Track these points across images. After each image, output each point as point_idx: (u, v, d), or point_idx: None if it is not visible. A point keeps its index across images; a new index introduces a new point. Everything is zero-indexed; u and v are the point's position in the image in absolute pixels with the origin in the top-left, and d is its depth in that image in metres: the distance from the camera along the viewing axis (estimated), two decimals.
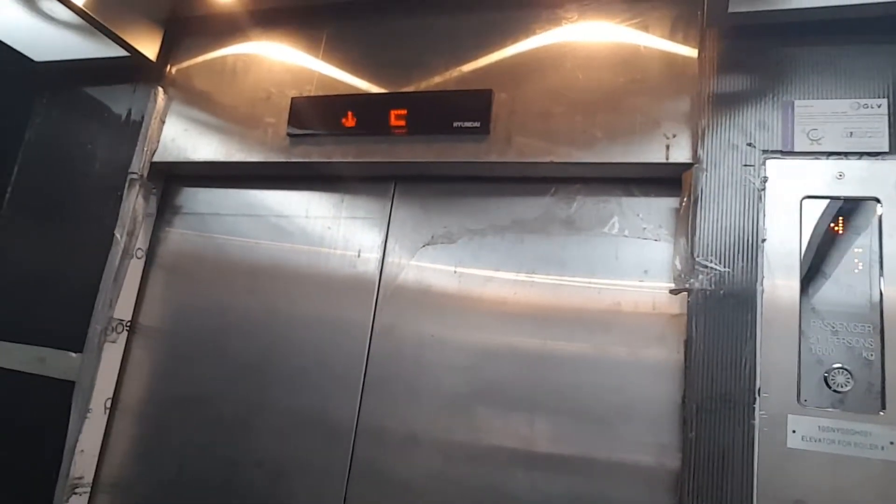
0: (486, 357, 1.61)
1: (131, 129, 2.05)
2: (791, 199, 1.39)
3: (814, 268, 1.34)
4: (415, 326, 1.70)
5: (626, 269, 1.56)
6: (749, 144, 1.43)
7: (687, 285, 1.39)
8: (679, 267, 1.42)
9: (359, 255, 1.81)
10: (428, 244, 1.75)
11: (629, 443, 1.47)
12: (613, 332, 1.54)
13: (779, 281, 1.35)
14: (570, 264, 1.61)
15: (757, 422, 1.29)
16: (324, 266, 1.83)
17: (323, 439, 1.70)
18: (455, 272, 1.70)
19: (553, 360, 1.56)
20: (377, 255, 1.79)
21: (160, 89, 2.04)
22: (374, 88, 1.80)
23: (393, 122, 1.72)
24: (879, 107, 1.38)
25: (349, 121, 1.77)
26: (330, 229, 1.86)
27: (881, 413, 1.24)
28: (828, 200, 1.37)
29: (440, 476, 1.59)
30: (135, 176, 1.98)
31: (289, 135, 1.84)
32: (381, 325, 1.73)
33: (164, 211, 2.08)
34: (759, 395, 1.30)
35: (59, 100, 2.22)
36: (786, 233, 1.38)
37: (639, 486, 1.44)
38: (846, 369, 1.28)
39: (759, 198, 1.40)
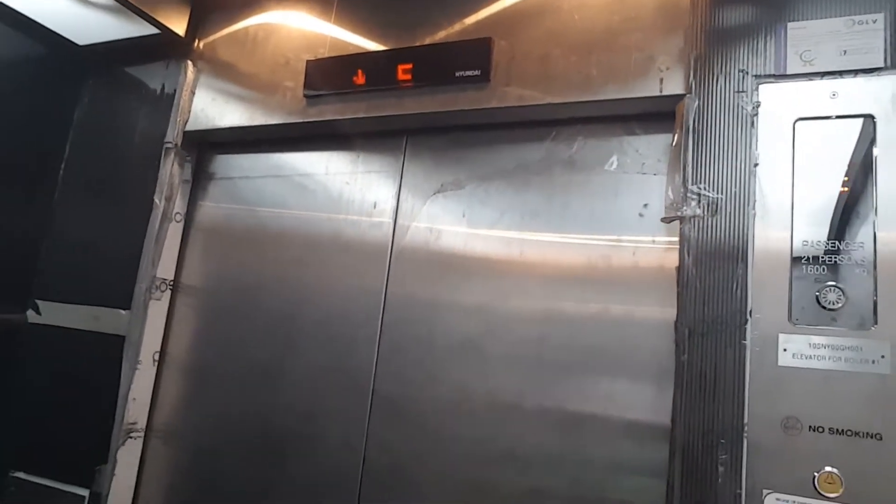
0: (498, 292, 1.68)
1: (165, 102, 2.20)
2: (784, 123, 1.38)
3: (806, 188, 1.34)
4: (428, 269, 1.78)
5: (626, 205, 1.59)
6: (741, 71, 1.43)
7: (679, 213, 1.41)
8: (671, 196, 1.44)
9: (375, 207, 1.90)
10: (438, 192, 1.82)
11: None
12: (613, 265, 1.57)
13: (771, 204, 1.36)
14: (574, 201, 1.65)
15: (748, 342, 1.31)
16: (343, 218, 1.93)
17: (346, 382, 1.81)
18: (464, 216, 1.76)
19: (560, 285, 1.61)
20: (392, 204, 1.87)
21: (189, 63, 2.17)
22: (382, 47, 1.87)
23: (399, 76, 1.79)
24: (875, 22, 1.35)
25: (359, 78, 1.85)
26: (348, 184, 1.96)
27: (872, 328, 1.24)
28: (821, 121, 1.36)
29: (452, 415, 1.67)
30: (170, 145, 2.12)
31: (305, 96, 1.94)
32: (397, 269, 1.82)
33: (199, 177, 2.22)
34: (750, 315, 1.32)
35: (102, 80, 2.39)
36: (779, 156, 1.37)
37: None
38: (838, 287, 1.28)
39: (752, 123, 1.40)
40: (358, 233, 1.90)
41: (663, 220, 1.46)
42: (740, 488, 1.26)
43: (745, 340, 1.31)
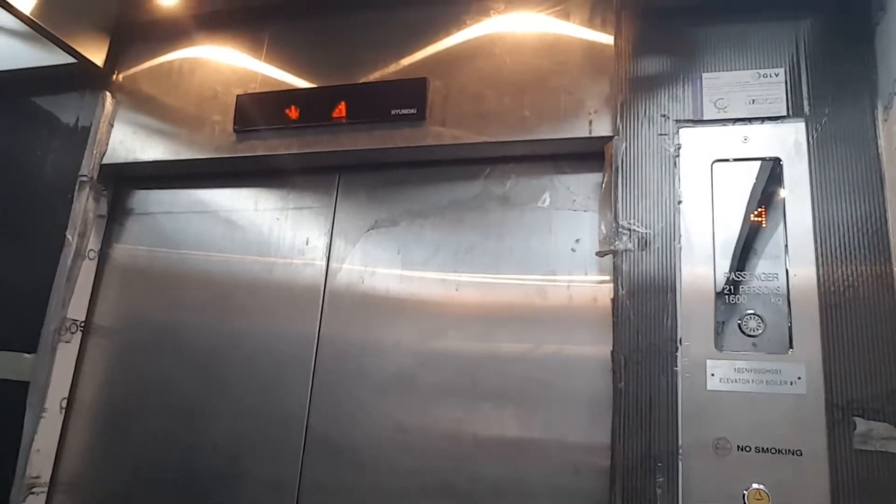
0: (433, 328, 1.69)
1: (80, 135, 2.09)
2: (703, 164, 1.50)
3: (724, 224, 1.45)
4: (362, 307, 1.76)
5: (560, 239, 1.65)
6: (663, 115, 1.55)
7: (612, 247, 1.49)
8: (604, 231, 1.52)
9: (307, 243, 1.87)
10: (372, 228, 1.82)
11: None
12: (549, 297, 1.62)
13: (694, 238, 1.45)
14: (508, 236, 1.70)
15: (679, 368, 1.38)
16: (273, 256, 1.89)
17: (277, 420, 1.75)
18: (398, 253, 1.77)
19: (495, 318, 1.64)
20: (324, 241, 1.86)
21: (108, 94, 2.09)
22: (315, 84, 1.87)
23: (334, 113, 1.80)
24: (777, 75, 1.50)
25: (293, 113, 1.85)
26: (278, 220, 1.92)
27: (789, 352, 1.34)
28: (735, 162, 1.48)
29: (389, 450, 1.65)
30: (84, 178, 2.02)
31: (235, 131, 1.90)
32: (330, 307, 1.79)
33: (116, 212, 2.12)
34: (680, 343, 1.40)
35: (8, 110, 2.25)
36: (699, 194, 1.48)
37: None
38: (757, 315, 1.38)
39: (675, 164, 1.51)
40: (289, 271, 1.87)
41: (598, 253, 1.54)
42: None
43: (676, 367, 1.38)
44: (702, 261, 1.44)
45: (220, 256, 1.95)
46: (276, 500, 1.69)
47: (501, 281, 1.67)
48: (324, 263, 1.84)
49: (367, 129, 1.78)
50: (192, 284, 1.96)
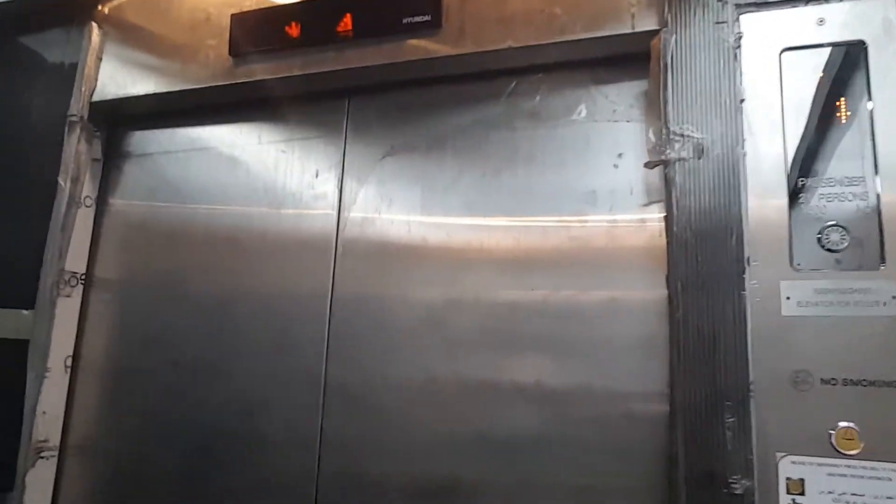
0: (460, 258, 1.50)
1: (68, 73, 1.92)
2: (769, 54, 1.27)
3: (798, 123, 1.22)
4: (381, 238, 1.59)
5: (599, 154, 1.45)
6: (720, 0, 1.31)
7: (663, 157, 1.28)
8: (653, 139, 1.31)
9: (316, 176, 1.69)
10: (387, 155, 1.63)
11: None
12: (588, 221, 1.42)
13: (761, 142, 1.24)
14: (539, 155, 1.49)
15: (748, 292, 1.18)
16: (280, 190, 1.72)
17: (293, 372, 1.60)
18: (417, 180, 1.58)
19: (531, 239, 1.45)
20: (336, 173, 1.67)
21: (94, 25, 1.90)
22: None
23: (339, 27, 1.60)
24: None
25: (293, 31, 1.65)
26: (284, 153, 1.74)
27: (881, 268, 1.13)
28: (809, 49, 1.25)
29: (416, 401, 1.49)
30: (74, 118, 1.85)
31: (231, 55, 1.71)
32: (345, 241, 1.62)
33: (112, 155, 1.95)
34: (748, 264, 1.19)
35: None
36: (766, 90, 1.26)
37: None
38: (840, 226, 1.17)
39: (735, 56, 1.28)
40: (300, 204, 1.69)
41: (647, 164, 1.33)
42: (751, 453, 1.12)
43: (743, 291, 1.18)
44: (771, 167, 1.22)
45: (224, 196, 1.78)
46: (296, 458, 1.55)
47: (534, 205, 1.47)
48: (336, 194, 1.65)
49: (376, 43, 1.58)
50: (197, 227, 1.80)
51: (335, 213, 1.64)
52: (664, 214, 1.30)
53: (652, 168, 1.33)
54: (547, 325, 1.41)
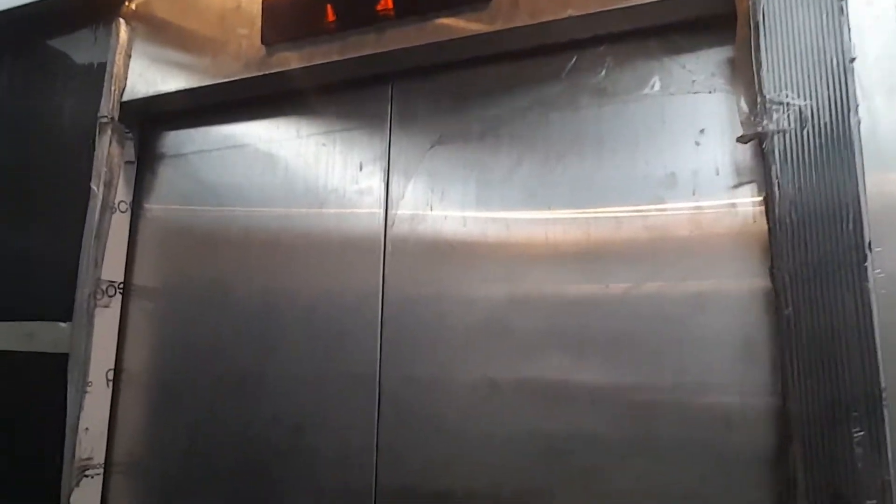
0: (524, 247, 1.35)
1: (97, 73, 1.83)
2: (884, 4, 1.08)
3: None
4: (433, 234, 1.45)
5: (678, 131, 1.28)
6: None
7: (759, 129, 1.10)
8: (746, 109, 1.14)
9: (360, 169, 1.56)
10: (437, 144, 1.49)
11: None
12: (668, 208, 1.26)
13: (879, 106, 1.06)
14: (608, 136, 1.33)
15: (871, 283, 1.00)
16: (322, 186, 1.59)
17: (344, 384, 1.47)
18: (472, 169, 1.43)
19: (603, 230, 1.29)
20: (381, 166, 1.54)
21: (122, 21, 1.81)
22: None
23: (378, 6, 1.46)
24: None
25: (329, 16, 1.52)
26: (325, 146, 1.62)
27: None
28: None
29: (478, 410, 1.35)
30: (105, 119, 1.76)
31: (264, 44, 1.59)
32: (395, 239, 1.48)
33: (145, 157, 1.86)
34: (870, 250, 1.01)
35: (17, 56, 2.01)
36: (881, 47, 1.08)
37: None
38: None
39: (841, 9, 1.10)
40: (344, 201, 1.56)
41: (740, 139, 1.15)
42: (888, 473, 0.95)
43: (867, 282, 1.00)
44: (891, 134, 1.04)
45: (263, 195, 1.66)
46: (351, 474, 1.42)
47: (605, 192, 1.31)
48: (383, 188, 1.52)
49: (419, 22, 1.44)
50: (237, 230, 1.69)
51: (382, 209, 1.51)
52: (762, 196, 1.13)
53: (746, 143, 1.15)
54: (625, 323, 1.25)
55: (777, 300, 1.06)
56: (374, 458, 1.41)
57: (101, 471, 1.71)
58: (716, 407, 1.17)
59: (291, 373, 1.54)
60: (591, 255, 1.30)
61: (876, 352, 0.98)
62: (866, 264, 1.01)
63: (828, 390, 1.00)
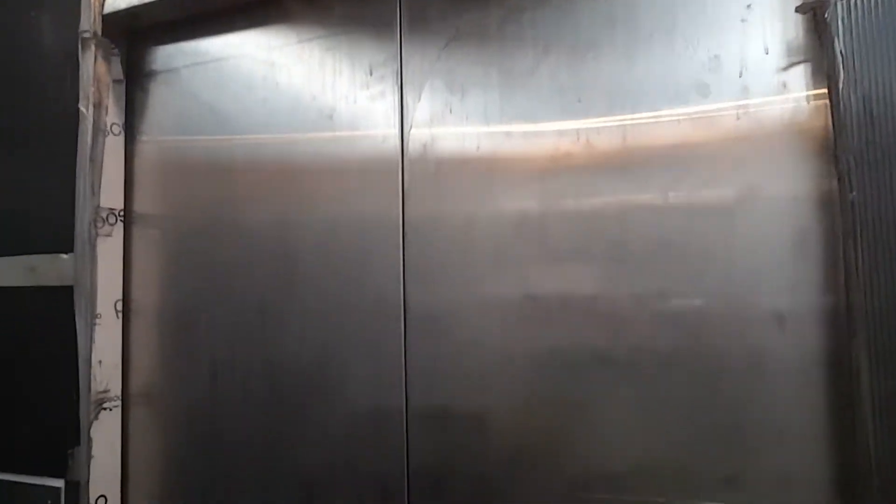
0: (556, 151, 1.26)
1: None
2: None
3: None
4: (455, 135, 1.35)
5: (721, 8, 1.16)
6: None
7: None
8: None
9: (371, 73, 1.44)
10: (453, 39, 1.36)
11: None
12: (712, 99, 1.15)
13: None
14: (644, 17, 1.21)
15: None
16: (330, 94, 1.47)
17: (367, 305, 1.40)
18: (492, 64, 1.32)
19: (640, 124, 1.20)
20: (393, 68, 1.42)
21: None
22: None
23: None
24: None
25: None
26: (329, 50, 1.49)
27: None
28: None
29: (515, 326, 1.28)
30: (87, 34, 1.62)
31: None
32: (414, 145, 1.38)
33: (134, 75, 1.73)
34: None
35: None
36: None
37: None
38: None
39: None
40: (355, 109, 1.45)
41: (799, 9, 1.04)
42: None
43: None
44: None
45: (269, 104, 1.54)
46: (381, 396, 1.37)
47: (640, 81, 1.20)
48: (396, 94, 1.40)
49: None
50: (241, 146, 1.58)
51: (397, 114, 1.40)
52: (820, 74, 1.02)
53: (806, 13, 1.04)
54: (669, 226, 1.17)
55: (840, 183, 0.98)
56: (404, 377, 1.35)
57: (119, 403, 1.67)
58: (767, 309, 1.10)
59: (313, 299, 1.46)
60: (628, 155, 1.21)
61: None
62: None
63: (893, 282, 0.93)
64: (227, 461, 1.53)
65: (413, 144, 1.38)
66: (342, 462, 1.39)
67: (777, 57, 1.12)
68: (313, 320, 1.45)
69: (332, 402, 1.42)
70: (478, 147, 1.32)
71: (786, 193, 1.10)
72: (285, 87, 1.52)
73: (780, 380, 1.07)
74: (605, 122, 1.23)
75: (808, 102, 1.08)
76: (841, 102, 0.98)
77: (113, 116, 1.67)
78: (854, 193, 0.96)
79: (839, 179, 0.98)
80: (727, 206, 1.13)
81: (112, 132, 1.67)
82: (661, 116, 1.19)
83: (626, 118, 1.21)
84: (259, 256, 1.53)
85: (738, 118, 1.13)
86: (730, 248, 1.12)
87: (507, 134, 1.30)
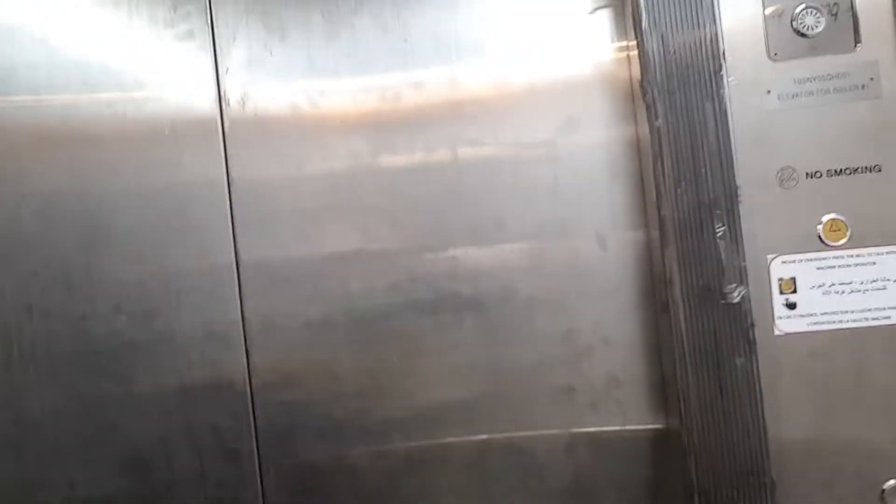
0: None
1: None
2: None
3: None
4: (276, 88, 1.28)
5: None
6: None
7: None
8: None
9: (174, 10, 1.31)
10: None
11: None
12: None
13: None
14: None
15: (727, 90, 1.07)
16: (128, 39, 1.31)
17: (194, 260, 1.30)
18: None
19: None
20: (202, 3, 1.30)
21: None
22: None
23: None
24: None
25: None
26: None
27: (856, 48, 1.07)
28: None
29: (348, 271, 1.27)
30: None
31: None
32: (229, 104, 1.29)
33: None
34: (724, 59, 1.07)
35: None
36: None
37: None
38: (813, 7, 1.07)
39: None
40: (158, 55, 1.31)
41: None
42: (744, 260, 1.06)
43: (722, 89, 1.07)
44: None
45: (53, 76, 1.31)
46: (216, 355, 1.29)
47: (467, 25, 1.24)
48: (207, 33, 1.29)
49: None
50: (23, 115, 1.34)
51: (210, 59, 1.29)
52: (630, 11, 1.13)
53: None
54: (498, 164, 1.23)
55: (648, 113, 1.10)
56: (242, 333, 1.28)
57: None
58: (589, 236, 1.21)
59: (132, 264, 1.31)
60: (460, 95, 1.24)
61: (731, 153, 1.07)
62: (721, 72, 1.07)
63: (695, 195, 1.07)
64: (37, 450, 1.33)
65: (231, 88, 1.29)
66: (181, 429, 1.28)
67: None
68: (133, 286, 1.30)
69: (162, 367, 1.29)
70: (303, 95, 1.27)
71: (593, 130, 1.21)
72: (71, 34, 1.32)
73: (606, 296, 1.19)
74: (433, 64, 1.24)
75: (612, 41, 1.19)
76: (644, 39, 1.09)
77: None
78: (659, 121, 1.08)
79: (647, 109, 1.10)
80: (551, 142, 1.21)
81: None
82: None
83: (453, 60, 1.24)
84: (59, 229, 1.33)
85: (536, 63, 1.21)
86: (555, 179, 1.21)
87: (335, 79, 1.26)
